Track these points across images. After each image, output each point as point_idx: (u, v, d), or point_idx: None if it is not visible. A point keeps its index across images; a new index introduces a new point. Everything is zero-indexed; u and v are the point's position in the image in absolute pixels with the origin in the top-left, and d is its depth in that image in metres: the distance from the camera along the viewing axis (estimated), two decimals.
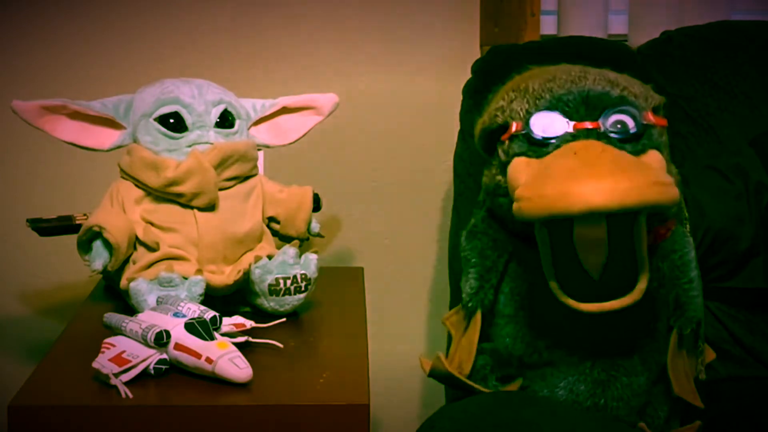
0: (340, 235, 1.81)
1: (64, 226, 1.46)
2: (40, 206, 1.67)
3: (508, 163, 1.18)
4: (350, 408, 1.13)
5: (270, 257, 1.36)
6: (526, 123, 1.17)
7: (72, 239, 1.38)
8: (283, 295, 1.36)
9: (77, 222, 1.45)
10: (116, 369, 1.15)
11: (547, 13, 1.75)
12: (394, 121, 1.78)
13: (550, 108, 1.17)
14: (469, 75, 1.58)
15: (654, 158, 1.15)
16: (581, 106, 1.17)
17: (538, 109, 1.18)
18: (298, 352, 1.27)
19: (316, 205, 1.49)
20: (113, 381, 1.14)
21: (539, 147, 1.16)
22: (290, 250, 1.37)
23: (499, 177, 1.21)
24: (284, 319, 1.34)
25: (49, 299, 1.80)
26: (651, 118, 1.18)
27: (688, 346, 1.25)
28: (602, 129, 1.15)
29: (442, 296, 1.75)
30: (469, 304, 1.24)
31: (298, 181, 1.49)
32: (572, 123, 1.16)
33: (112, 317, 1.23)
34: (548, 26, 1.74)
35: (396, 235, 1.82)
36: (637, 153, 1.15)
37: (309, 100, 1.50)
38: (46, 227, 1.47)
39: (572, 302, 1.12)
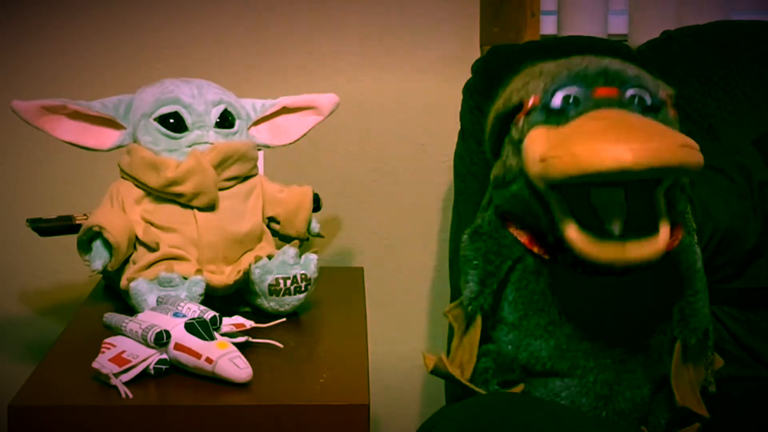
0: (340, 235, 1.81)
1: (64, 226, 1.46)
2: (40, 206, 1.67)
3: (521, 141, 1.15)
4: (350, 408, 1.13)
5: (270, 257, 1.36)
6: (544, 95, 1.15)
7: (72, 239, 1.38)
8: (283, 295, 1.36)
9: (77, 222, 1.45)
10: (116, 369, 1.15)
11: (547, 13, 1.75)
12: (394, 121, 1.78)
13: (569, 82, 1.15)
14: (469, 75, 1.58)
15: (672, 127, 1.13)
16: (600, 78, 1.15)
17: (556, 83, 1.16)
18: (298, 352, 1.27)
19: (316, 205, 1.49)
20: (113, 381, 1.14)
21: (559, 116, 1.13)
22: (290, 250, 1.37)
23: (511, 161, 1.17)
24: (284, 319, 1.34)
25: (49, 299, 1.80)
26: (665, 96, 1.17)
27: (694, 357, 1.23)
28: (621, 98, 1.14)
29: (442, 296, 1.75)
30: (469, 308, 1.21)
31: (298, 181, 1.49)
32: (592, 90, 1.14)
33: (112, 317, 1.23)
34: (548, 26, 1.74)
35: (396, 235, 1.81)
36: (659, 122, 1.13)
37: (309, 100, 1.50)
38: (46, 227, 1.47)
39: (593, 249, 1.07)
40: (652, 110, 1.15)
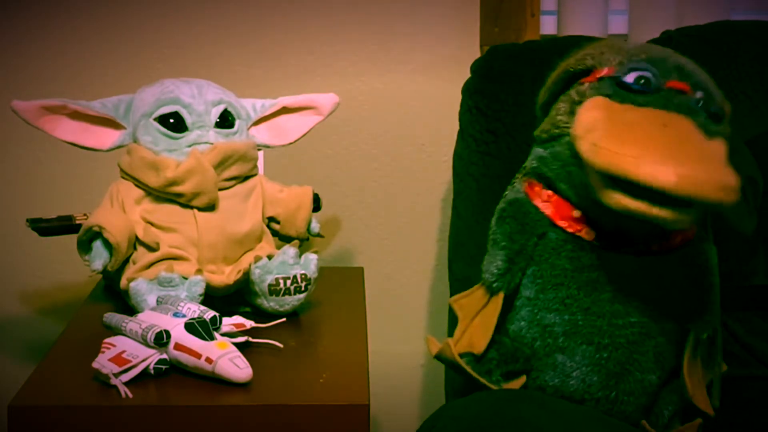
0: (340, 235, 1.81)
1: (64, 226, 1.46)
2: (40, 206, 1.67)
3: (579, 103, 1.18)
4: (350, 408, 1.13)
5: (270, 257, 1.36)
6: (619, 68, 1.19)
7: (72, 239, 1.38)
8: (283, 295, 1.36)
9: (77, 222, 1.45)
10: (116, 369, 1.15)
11: (547, 13, 1.75)
12: (393, 121, 1.78)
13: (646, 65, 1.19)
14: (469, 75, 1.58)
15: (725, 151, 1.15)
16: (675, 71, 1.19)
17: (633, 62, 1.19)
18: (298, 352, 1.27)
19: (316, 205, 1.49)
20: (113, 381, 1.14)
21: (627, 93, 1.17)
22: (290, 250, 1.37)
23: (562, 117, 1.21)
24: (284, 319, 1.34)
25: (49, 299, 1.80)
26: (727, 110, 1.20)
27: (702, 354, 1.25)
28: (692, 95, 1.17)
29: (442, 296, 1.75)
30: (494, 285, 1.23)
31: (298, 181, 1.49)
32: (666, 81, 1.17)
33: (112, 317, 1.23)
34: (548, 26, 1.74)
35: (396, 235, 1.82)
36: (717, 134, 1.15)
37: (309, 100, 1.50)
38: (46, 227, 1.47)
39: (623, 198, 1.09)
40: (716, 119, 1.17)
